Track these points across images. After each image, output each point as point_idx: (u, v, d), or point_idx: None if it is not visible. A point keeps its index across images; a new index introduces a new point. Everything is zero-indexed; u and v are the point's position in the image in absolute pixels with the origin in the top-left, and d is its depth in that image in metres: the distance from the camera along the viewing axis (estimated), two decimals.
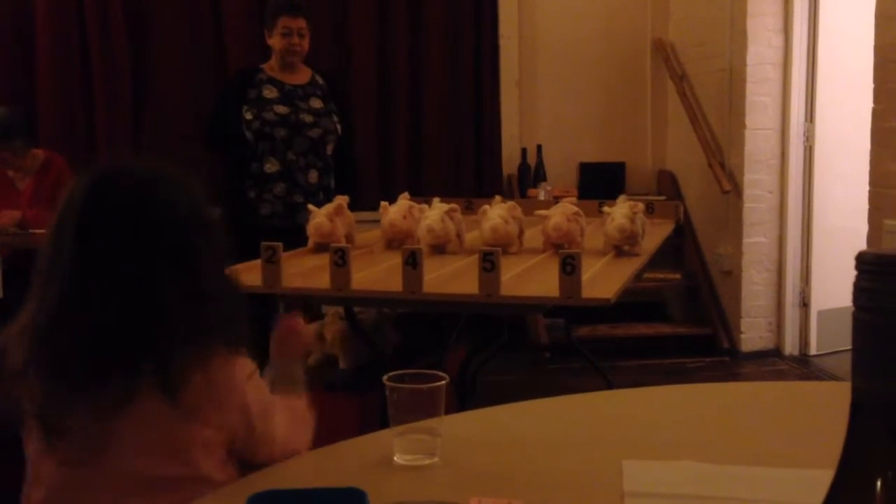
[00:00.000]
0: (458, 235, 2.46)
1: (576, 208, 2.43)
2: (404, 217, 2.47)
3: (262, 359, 1.24)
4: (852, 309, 0.44)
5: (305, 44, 3.38)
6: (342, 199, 2.48)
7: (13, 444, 1.14)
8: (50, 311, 1.05)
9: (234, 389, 1.10)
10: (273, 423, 1.16)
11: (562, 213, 2.38)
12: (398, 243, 2.46)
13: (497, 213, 2.37)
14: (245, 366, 1.13)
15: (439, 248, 2.42)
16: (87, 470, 1.07)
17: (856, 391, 0.43)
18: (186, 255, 1.09)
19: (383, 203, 2.52)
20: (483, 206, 2.51)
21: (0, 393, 1.10)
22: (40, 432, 1.07)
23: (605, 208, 2.49)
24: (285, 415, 1.19)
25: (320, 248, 2.31)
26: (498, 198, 2.72)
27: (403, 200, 2.56)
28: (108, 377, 1.04)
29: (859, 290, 0.43)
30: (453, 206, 2.45)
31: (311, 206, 2.46)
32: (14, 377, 1.07)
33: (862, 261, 0.43)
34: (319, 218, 2.41)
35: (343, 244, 2.44)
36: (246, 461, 1.16)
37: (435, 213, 2.38)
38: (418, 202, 2.71)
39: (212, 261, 1.12)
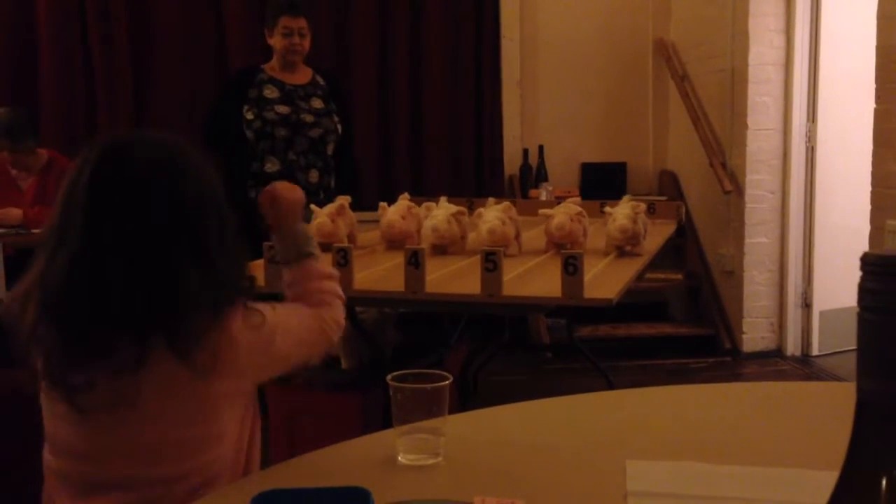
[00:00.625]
0: (463, 237, 2.45)
1: (579, 208, 2.42)
2: (403, 217, 2.46)
3: None
4: (855, 309, 0.45)
5: (306, 43, 3.39)
6: (344, 200, 2.49)
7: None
8: (60, 275, 1.06)
9: (233, 339, 1.10)
10: (294, 330, 1.19)
11: (565, 213, 2.38)
12: (398, 244, 2.46)
13: (493, 215, 2.35)
14: (235, 313, 1.12)
15: (441, 249, 2.42)
16: (103, 434, 1.08)
17: (861, 391, 0.44)
18: (197, 221, 1.10)
19: (382, 204, 2.51)
20: (478, 209, 2.49)
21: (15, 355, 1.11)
22: (54, 391, 1.08)
23: (607, 208, 2.48)
24: (302, 310, 1.24)
25: (322, 248, 2.31)
26: (491, 199, 2.70)
27: (403, 201, 2.56)
28: (119, 341, 1.05)
29: (863, 290, 0.44)
30: (461, 208, 2.44)
31: (313, 206, 2.46)
32: (25, 338, 1.08)
33: (866, 262, 0.43)
34: (321, 218, 2.42)
35: (345, 244, 2.45)
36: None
37: (441, 214, 2.37)
38: (419, 202, 2.71)
39: (219, 222, 1.13)
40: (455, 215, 2.38)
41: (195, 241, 1.09)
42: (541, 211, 2.50)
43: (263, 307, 1.16)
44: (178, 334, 1.05)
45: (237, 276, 1.14)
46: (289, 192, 1.35)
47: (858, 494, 0.43)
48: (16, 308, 1.09)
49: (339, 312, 1.28)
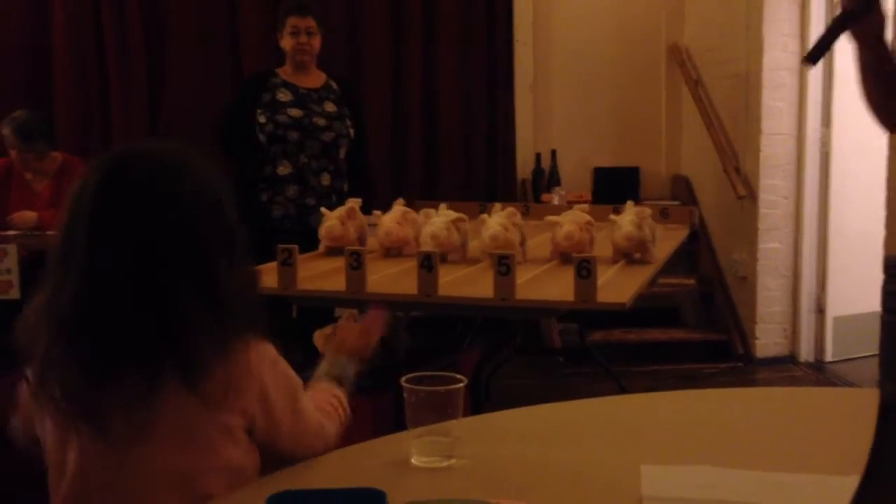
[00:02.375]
0: (463, 245, 2.39)
1: (588, 217, 2.34)
2: (400, 224, 2.42)
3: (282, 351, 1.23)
4: (870, 315, 0.44)
5: (315, 43, 3.39)
6: (354, 203, 2.46)
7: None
8: (67, 304, 1.04)
9: (251, 374, 1.09)
10: (299, 410, 1.15)
11: (573, 222, 2.30)
12: (395, 251, 2.43)
13: (496, 221, 2.30)
14: (263, 351, 1.12)
15: (441, 256, 2.37)
16: (112, 463, 1.07)
17: (885, 393, 0.43)
18: (203, 243, 1.07)
19: (376, 212, 2.47)
20: (482, 214, 2.42)
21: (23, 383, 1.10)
22: (69, 418, 1.06)
23: (612, 216, 2.41)
24: (313, 403, 1.20)
25: (332, 251, 2.30)
26: (497, 205, 2.63)
27: (398, 207, 2.50)
28: (128, 370, 1.04)
29: (887, 293, 0.43)
30: (461, 215, 2.37)
31: (323, 210, 2.45)
32: (38, 360, 1.06)
33: (890, 265, 0.43)
34: (331, 221, 2.39)
35: (356, 247, 2.43)
36: (272, 455, 1.16)
37: (440, 221, 2.31)
38: (425, 206, 2.67)
39: (229, 250, 1.10)
40: (454, 222, 2.32)
41: (201, 268, 1.06)
42: (547, 218, 2.43)
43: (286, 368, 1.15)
44: (186, 361, 1.04)
45: (247, 301, 1.11)
46: (373, 332, 1.38)
47: (884, 494, 0.43)
48: (29, 331, 1.08)
49: (336, 432, 1.23)
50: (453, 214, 2.35)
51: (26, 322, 1.08)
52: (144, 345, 1.04)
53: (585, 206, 2.59)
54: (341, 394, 1.29)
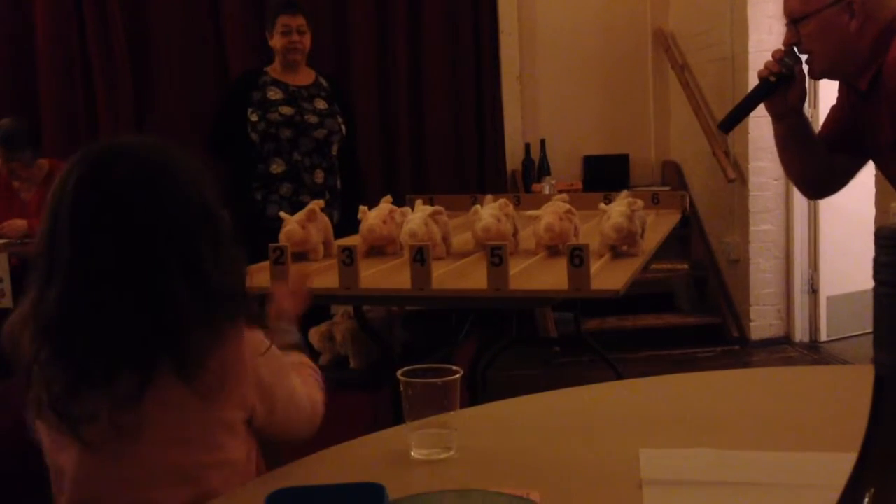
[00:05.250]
0: (445, 239, 2.34)
1: (568, 206, 2.29)
2: (384, 222, 2.36)
3: None
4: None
5: (306, 41, 3.39)
6: (315, 205, 2.37)
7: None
8: (53, 306, 1.03)
9: (244, 364, 1.09)
10: (293, 390, 1.17)
11: (553, 212, 2.25)
12: (379, 249, 2.39)
13: (489, 213, 2.26)
14: (254, 339, 1.12)
15: None
16: (111, 462, 1.06)
17: (879, 366, 0.43)
18: (188, 232, 1.07)
19: (362, 207, 2.40)
20: (474, 206, 2.38)
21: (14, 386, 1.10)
22: (57, 423, 1.05)
23: (602, 205, 2.34)
24: (297, 377, 1.21)
25: (294, 257, 2.17)
26: (489, 196, 2.59)
27: (384, 204, 2.45)
28: (120, 368, 1.03)
29: (879, 264, 0.43)
30: (438, 208, 2.32)
31: (282, 214, 2.36)
32: (25, 365, 1.05)
33: (881, 235, 0.43)
34: (290, 225, 2.30)
35: (319, 252, 2.36)
36: (271, 439, 1.17)
37: (417, 217, 2.25)
38: (417, 200, 2.64)
39: (214, 237, 1.09)
40: (432, 215, 2.26)
41: (186, 258, 1.05)
42: (527, 213, 2.38)
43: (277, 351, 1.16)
44: (179, 356, 1.03)
45: (235, 290, 1.10)
46: (283, 300, 1.37)
47: (881, 468, 0.43)
48: (15, 335, 1.07)
49: (322, 400, 1.25)
50: (429, 209, 2.30)
51: (12, 327, 1.07)
52: (136, 341, 1.03)
53: (564, 195, 2.50)
54: (307, 359, 1.30)
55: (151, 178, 1.07)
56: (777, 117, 1.84)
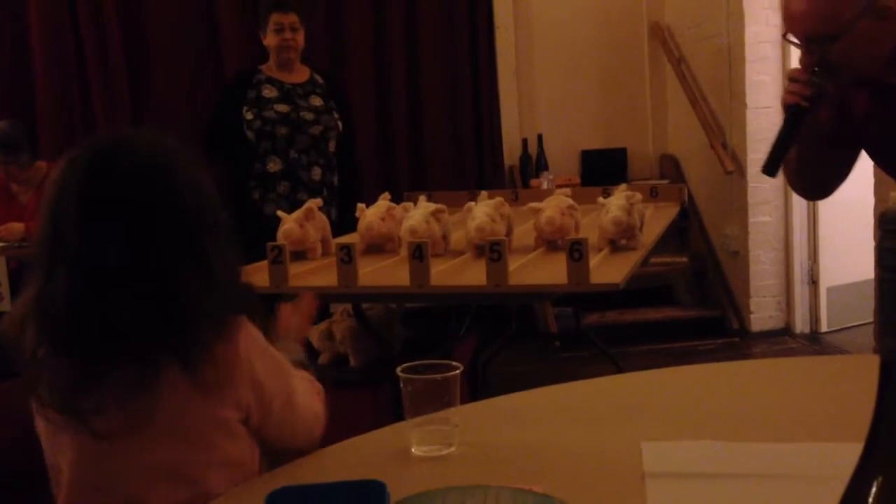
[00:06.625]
0: (444, 237, 2.33)
1: (570, 201, 2.28)
2: (383, 219, 2.36)
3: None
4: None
5: (299, 38, 3.38)
6: (313, 203, 2.37)
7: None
8: (59, 297, 1.02)
9: (241, 361, 1.08)
10: (293, 395, 1.15)
11: (555, 207, 2.24)
12: (378, 247, 2.38)
13: (482, 212, 2.23)
14: (253, 337, 1.11)
15: None
16: (106, 461, 1.06)
17: (886, 352, 0.43)
18: (194, 225, 1.07)
19: (360, 205, 2.39)
20: (468, 203, 2.35)
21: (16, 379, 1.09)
22: (60, 419, 1.05)
23: (600, 199, 2.34)
24: (300, 384, 1.20)
25: (292, 256, 2.16)
26: (483, 194, 2.56)
27: (382, 202, 2.45)
28: (124, 360, 1.03)
29: (883, 250, 0.43)
30: (440, 206, 2.31)
31: (280, 212, 2.36)
32: (27, 362, 1.05)
33: (886, 220, 0.42)
34: (288, 224, 2.29)
35: (317, 250, 2.36)
36: (272, 446, 1.15)
37: (419, 214, 2.24)
38: (415, 197, 2.63)
39: (217, 230, 1.10)
40: (434, 213, 2.26)
41: (194, 249, 1.06)
42: (530, 204, 2.36)
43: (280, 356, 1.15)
44: (186, 347, 1.03)
45: (236, 283, 1.11)
46: (290, 318, 1.39)
47: (888, 456, 0.42)
48: (15, 331, 1.06)
49: (325, 413, 1.24)
50: (432, 206, 2.29)
51: (12, 322, 1.07)
52: (144, 331, 1.03)
53: (567, 189, 2.49)
54: (310, 376, 1.29)
55: (158, 169, 1.07)
56: (806, 141, 1.66)
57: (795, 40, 1.58)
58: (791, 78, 1.59)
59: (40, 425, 1.10)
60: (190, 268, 1.05)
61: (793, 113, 1.59)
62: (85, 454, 1.07)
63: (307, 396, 1.20)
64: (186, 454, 1.07)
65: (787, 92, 1.59)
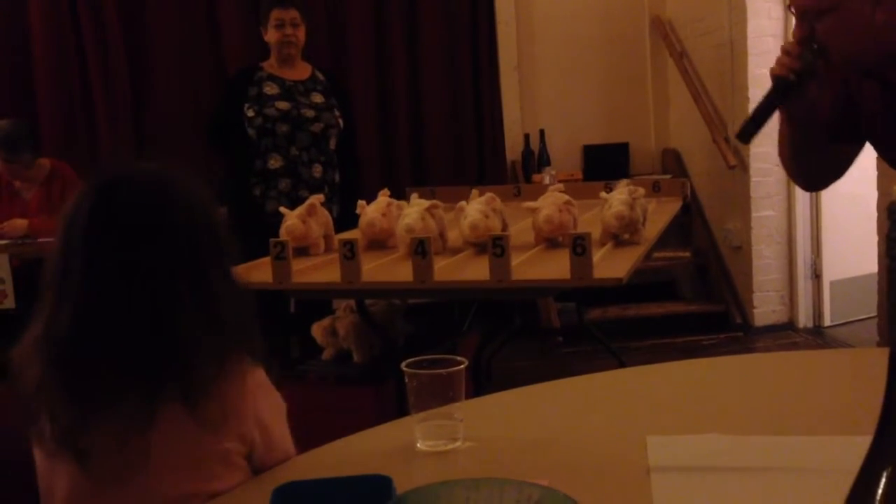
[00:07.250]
0: (441, 234, 2.31)
1: (567, 197, 2.26)
2: (383, 215, 2.35)
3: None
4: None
5: (300, 34, 3.38)
6: (315, 199, 2.36)
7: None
8: (64, 329, 1.03)
9: (246, 398, 1.08)
10: (285, 431, 1.14)
11: (552, 204, 2.22)
12: (379, 243, 2.38)
13: (475, 209, 2.21)
14: (257, 375, 1.11)
15: None
16: (103, 490, 1.05)
17: (894, 344, 0.42)
18: (199, 263, 1.07)
19: (361, 202, 2.39)
20: (460, 202, 2.33)
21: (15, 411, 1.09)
22: (61, 451, 1.04)
23: (603, 193, 2.33)
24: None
25: (294, 252, 2.15)
26: (474, 191, 2.54)
27: (382, 198, 2.44)
28: (128, 393, 1.02)
29: (892, 240, 0.42)
30: (434, 202, 2.29)
31: (282, 209, 2.35)
32: (30, 395, 1.04)
33: (893, 211, 0.42)
34: (291, 220, 2.29)
35: (320, 246, 2.37)
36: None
37: (414, 212, 2.22)
38: (416, 193, 2.62)
39: (222, 266, 1.10)
40: (429, 210, 2.24)
41: (197, 284, 1.06)
42: (525, 204, 2.34)
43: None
44: (187, 380, 1.02)
45: (243, 320, 1.10)
46: None
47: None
48: (23, 362, 1.06)
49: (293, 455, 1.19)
50: (426, 202, 2.27)
51: (22, 353, 1.06)
52: (146, 365, 1.03)
53: (561, 185, 2.47)
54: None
55: (164, 205, 1.08)
56: (792, 119, 1.66)
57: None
58: (783, 50, 1.58)
59: (37, 451, 1.10)
60: (193, 305, 1.04)
61: (779, 85, 1.57)
62: (79, 484, 1.06)
63: (289, 439, 1.18)
64: (180, 486, 1.05)
65: (777, 63, 1.58)
